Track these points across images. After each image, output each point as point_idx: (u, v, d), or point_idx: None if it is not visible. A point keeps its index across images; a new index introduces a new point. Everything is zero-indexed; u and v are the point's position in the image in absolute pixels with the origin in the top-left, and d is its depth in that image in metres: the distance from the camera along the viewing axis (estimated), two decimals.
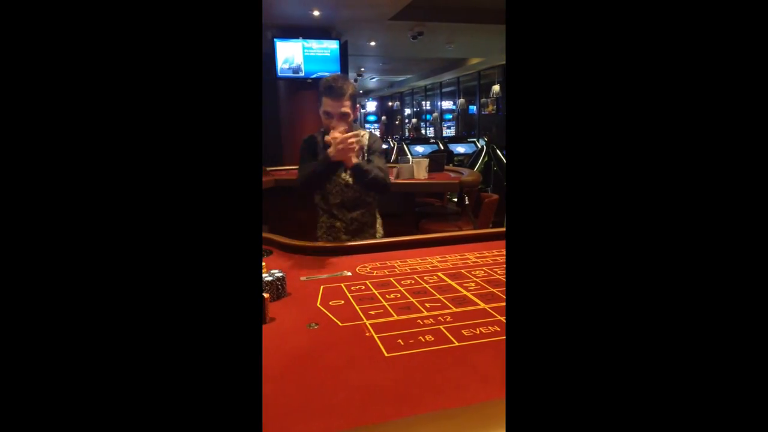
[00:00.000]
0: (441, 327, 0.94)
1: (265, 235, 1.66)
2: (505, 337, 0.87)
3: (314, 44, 5.87)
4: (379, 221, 2.06)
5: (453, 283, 1.21)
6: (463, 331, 0.91)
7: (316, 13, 5.27)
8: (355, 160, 1.68)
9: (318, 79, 5.87)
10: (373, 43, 7.35)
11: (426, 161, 3.51)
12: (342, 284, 1.22)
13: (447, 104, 12.85)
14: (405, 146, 6.75)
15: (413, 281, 1.24)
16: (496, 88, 8.73)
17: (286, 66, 5.85)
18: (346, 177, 1.88)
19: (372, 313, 1.02)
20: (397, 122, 16.18)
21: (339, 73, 1.87)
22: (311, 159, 1.85)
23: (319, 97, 1.80)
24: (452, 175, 3.71)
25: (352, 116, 1.81)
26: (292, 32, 5.77)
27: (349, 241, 1.84)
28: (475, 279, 1.25)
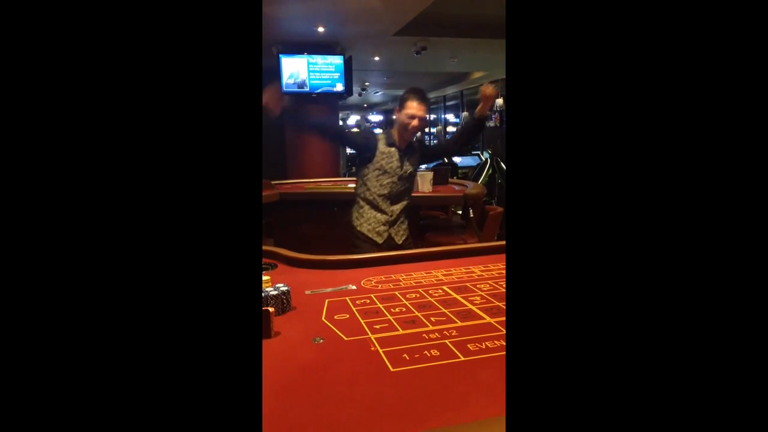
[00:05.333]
0: (446, 341, 0.93)
1: (269, 248, 1.67)
2: None
3: (319, 59, 5.93)
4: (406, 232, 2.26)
5: (458, 297, 1.21)
6: (468, 345, 0.91)
7: (320, 29, 5.34)
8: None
9: (323, 94, 5.96)
10: (377, 58, 7.42)
11: (430, 174, 3.52)
12: (347, 298, 1.22)
13: (451, 117, 12.91)
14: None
15: (418, 295, 1.24)
16: (499, 101, 8.76)
17: (291, 81, 5.91)
18: (403, 171, 2.13)
19: (377, 327, 1.02)
20: None
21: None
22: (369, 142, 2.15)
23: (402, 103, 2.10)
24: (457, 188, 3.71)
25: (424, 125, 2.18)
26: (297, 48, 5.84)
27: (387, 232, 2.15)
28: (480, 293, 1.24)
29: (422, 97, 2.10)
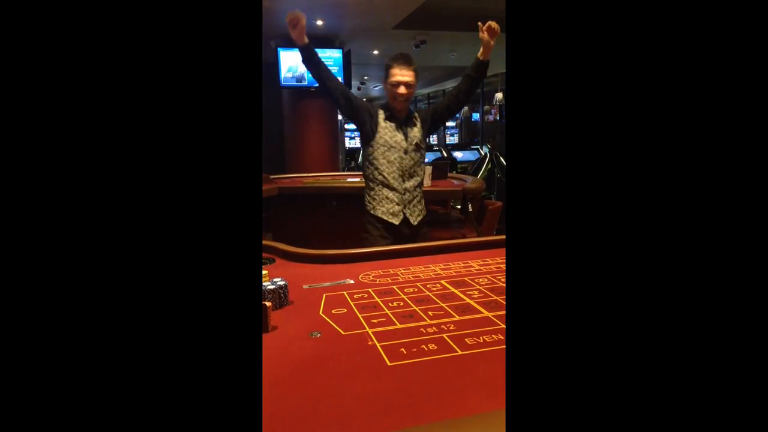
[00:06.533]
0: (444, 335, 0.93)
1: (267, 243, 1.66)
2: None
3: (318, 53, 5.91)
4: (423, 211, 2.16)
5: (456, 291, 1.21)
6: (466, 339, 0.91)
7: (319, 22, 5.31)
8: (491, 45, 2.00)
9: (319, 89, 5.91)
10: (376, 52, 7.39)
11: (430, 169, 3.51)
12: (345, 292, 1.22)
13: None
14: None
15: (416, 289, 1.24)
16: (499, 95, 8.74)
17: (290, 75, 5.89)
18: (408, 143, 2.04)
19: (375, 321, 1.02)
20: None
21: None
22: (369, 114, 2.04)
23: (386, 71, 2.00)
24: (456, 182, 3.70)
25: (414, 91, 2.03)
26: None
27: (402, 212, 2.06)
28: (478, 287, 1.24)
29: (405, 61, 1.99)
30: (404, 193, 2.06)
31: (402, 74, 1.98)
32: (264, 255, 1.61)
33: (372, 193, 2.08)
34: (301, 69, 5.90)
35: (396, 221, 2.06)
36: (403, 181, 2.05)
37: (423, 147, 2.14)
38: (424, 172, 2.17)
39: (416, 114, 2.12)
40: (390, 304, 1.12)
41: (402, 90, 1.99)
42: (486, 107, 10.56)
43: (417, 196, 2.11)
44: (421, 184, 2.13)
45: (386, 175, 2.03)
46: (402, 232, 2.06)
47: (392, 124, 2.04)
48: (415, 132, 2.09)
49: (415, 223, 2.10)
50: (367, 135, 2.05)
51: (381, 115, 2.06)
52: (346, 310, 1.09)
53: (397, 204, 2.05)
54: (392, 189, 2.04)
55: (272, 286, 1.10)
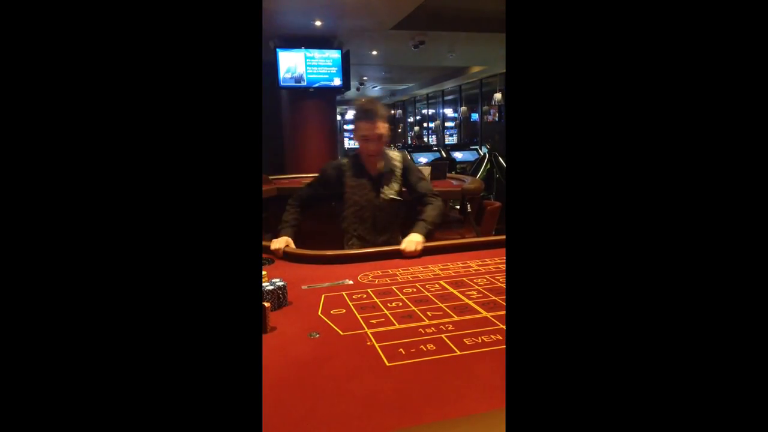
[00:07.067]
0: (443, 336, 0.93)
1: (266, 243, 1.66)
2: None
3: (316, 54, 5.90)
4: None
5: (455, 292, 1.21)
6: (464, 340, 0.91)
7: (318, 23, 5.31)
8: (421, 236, 1.69)
9: (320, 88, 5.94)
10: (375, 53, 7.39)
11: (428, 169, 3.52)
12: (343, 293, 1.22)
13: (449, 112, 12.90)
14: (407, 154, 6.73)
15: (415, 289, 1.24)
16: (498, 96, 8.75)
17: (289, 75, 5.89)
18: (380, 198, 1.90)
19: (373, 321, 1.02)
20: (399, 130, 16.24)
21: (369, 96, 1.88)
22: (335, 184, 1.92)
23: (355, 123, 1.90)
24: (455, 182, 3.70)
25: (387, 137, 1.87)
26: (294, 42, 5.81)
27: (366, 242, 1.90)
28: (477, 287, 1.24)
29: (366, 115, 1.82)
30: (379, 244, 1.90)
31: (367, 128, 1.82)
32: (263, 255, 1.61)
33: (350, 242, 1.96)
34: (300, 69, 5.90)
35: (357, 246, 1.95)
36: (378, 234, 1.94)
37: (401, 201, 1.96)
38: (399, 223, 2.00)
39: (396, 164, 1.94)
40: (389, 305, 1.12)
41: (371, 146, 1.85)
42: (485, 107, 10.57)
43: (395, 238, 1.96)
44: (395, 235, 1.96)
45: (361, 233, 1.93)
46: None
47: (362, 181, 1.90)
48: (391, 185, 1.92)
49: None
50: (338, 197, 1.94)
51: (349, 172, 1.91)
52: (344, 311, 1.09)
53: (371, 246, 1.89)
54: (366, 241, 1.93)
55: (271, 287, 1.10)
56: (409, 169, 1.99)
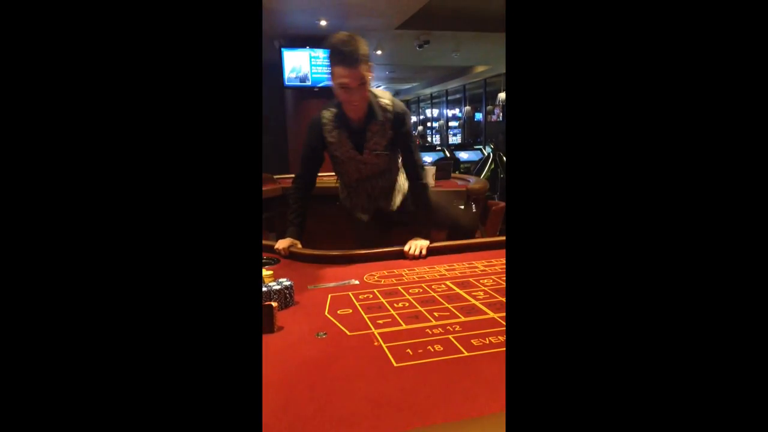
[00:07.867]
0: (450, 336, 0.93)
1: (271, 243, 1.66)
2: None
3: (321, 53, 5.91)
4: (400, 194, 1.90)
5: (461, 292, 1.21)
6: (472, 340, 0.91)
7: (323, 22, 5.32)
8: (427, 241, 1.60)
9: (325, 88, 5.94)
10: (379, 52, 7.39)
11: (433, 169, 3.51)
12: (350, 293, 1.22)
13: (453, 112, 12.87)
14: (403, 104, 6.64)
15: (421, 290, 1.24)
16: (501, 95, 8.74)
17: (294, 75, 5.90)
18: (360, 152, 1.73)
19: (380, 322, 1.02)
20: None
21: (345, 32, 1.59)
22: (317, 143, 1.73)
23: (330, 68, 1.55)
24: (459, 182, 3.70)
25: (369, 79, 1.58)
26: (299, 42, 5.82)
27: (367, 212, 1.87)
28: (483, 288, 1.24)
29: (346, 59, 1.50)
30: (368, 199, 1.88)
31: (345, 74, 1.53)
32: (269, 255, 1.61)
33: (343, 194, 1.95)
34: (305, 69, 5.91)
35: (365, 218, 1.90)
36: (366, 192, 1.86)
37: (390, 156, 1.76)
38: (390, 182, 1.87)
39: (386, 116, 1.68)
40: (395, 305, 1.12)
41: (353, 97, 1.57)
42: (489, 107, 10.55)
43: (386, 194, 1.87)
44: (387, 191, 1.85)
45: (347, 185, 1.90)
46: (377, 225, 1.90)
47: (343, 134, 1.69)
48: (377, 139, 1.69)
49: (394, 208, 1.88)
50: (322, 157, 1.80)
51: (328, 125, 1.70)
52: (351, 311, 1.09)
53: (362, 212, 1.90)
54: (357, 195, 1.88)
55: (278, 287, 1.11)
56: (402, 124, 1.68)
